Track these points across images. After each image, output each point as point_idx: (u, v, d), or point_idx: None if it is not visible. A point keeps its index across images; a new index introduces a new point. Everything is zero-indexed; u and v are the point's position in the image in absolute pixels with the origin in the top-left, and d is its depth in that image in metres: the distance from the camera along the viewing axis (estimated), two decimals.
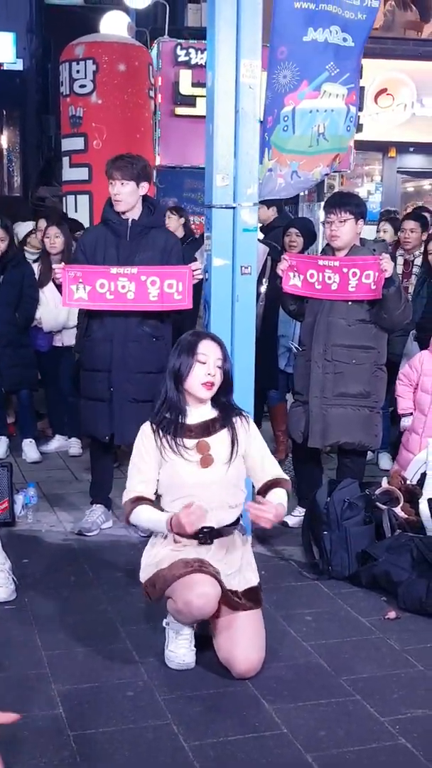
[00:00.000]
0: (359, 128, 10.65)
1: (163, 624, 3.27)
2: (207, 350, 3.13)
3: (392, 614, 3.75)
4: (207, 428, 3.21)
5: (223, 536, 3.22)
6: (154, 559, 3.25)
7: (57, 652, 3.37)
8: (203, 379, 3.12)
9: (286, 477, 3.36)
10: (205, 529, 3.12)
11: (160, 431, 3.22)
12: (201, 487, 3.16)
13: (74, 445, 6.24)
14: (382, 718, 2.95)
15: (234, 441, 3.22)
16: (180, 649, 3.20)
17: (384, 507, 4.30)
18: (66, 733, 2.84)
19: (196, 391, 3.15)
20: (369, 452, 5.14)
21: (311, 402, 4.53)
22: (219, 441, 3.21)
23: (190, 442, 3.18)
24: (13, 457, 6.01)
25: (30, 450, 6.06)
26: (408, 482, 4.58)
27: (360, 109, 10.72)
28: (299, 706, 3.02)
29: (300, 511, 4.70)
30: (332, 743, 2.81)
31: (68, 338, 5.97)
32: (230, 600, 3.13)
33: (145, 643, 3.45)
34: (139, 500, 3.21)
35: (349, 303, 4.46)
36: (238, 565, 3.25)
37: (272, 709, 2.99)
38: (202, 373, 3.11)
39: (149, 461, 3.24)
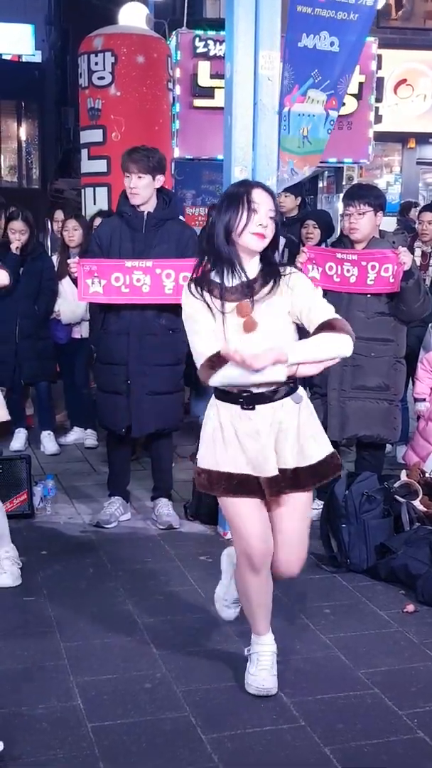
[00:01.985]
0: (379, 119, 10.65)
1: (245, 652, 3.13)
2: (259, 199, 2.85)
3: (411, 607, 3.74)
4: (249, 287, 2.88)
5: (267, 403, 2.88)
6: (203, 448, 3.02)
7: (75, 644, 3.38)
8: (255, 230, 2.84)
9: (338, 317, 2.89)
10: (244, 393, 2.87)
11: (200, 289, 2.91)
12: (245, 346, 2.80)
13: (90, 437, 6.26)
14: (400, 712, 2.94)
15: (276, 300, 2.89)
16: (261, 672, 3.05)
17: (403, 500, 4.29)
18: (84, 724, 2.85)
19: (248, 242, 2.85)
20: (388, 445, 5.12)
21: (329, 395, 4.51)
22: (262, 302, 2.88)
23: (230, 306, 2.87)
24: (31, 449, 6.04)
25: (48, 442, 6.08)
26: (427, 475, 4.56)
27: (379, 100, 10.72)
28: (317, 699, 3.02)
29: (318, 504, 4.69)
30: (350, 736, 2.80)
31: (87, 330, 5.97)
32: (274, 484, 2.90)
33: (162, 635, 3.46)
34: (219, 358, 2.81)
35: (368, 296, 4.44)
36: (294, 438, 2.92)
37: (290, 702, 2.99)
38: (254, 223, 2.84)
39: (204, 319, 2.89)
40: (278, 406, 2.89)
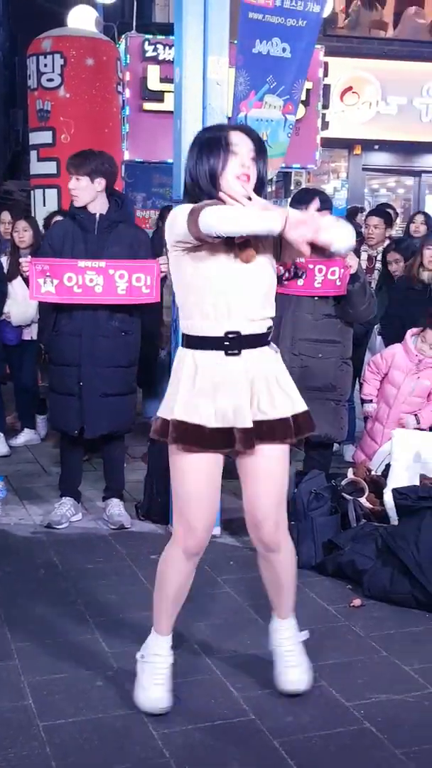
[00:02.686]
0: (326, 126, 10.75)
1: (137, 657, 2.98)
2: (238, 140, 2.74)
3: (357, 602, 3.80)
4: None
5: (252, 348, 2.78)
6: (171, 398, 2.86)
7: (26, 644, 3.36)
8: (238, 172, 2.73)
9: None
10: (230, 335, 2.76)
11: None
12: (234, 286, 2.74)
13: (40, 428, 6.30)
14: (347, 704, 2.99)
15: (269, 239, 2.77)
16: (154, 690, 2.89)
17: (349, 497, 4.34)
18: (35, 723, 2.84)
19: (232, 186, 2.73)
20: (335, 444, 5.18)
21: None
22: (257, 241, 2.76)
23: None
24: None
25: None
26: (373, 473, 4.63)
27: (326, 106, 10.84)
28: (266, 693, 3.04)
29: None
30: (299, 728, 2.84)
31: (36, 333, 5.95)
32: (248, 436, 2.77)
33: (114, 633, 3.46)
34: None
35: (316, 298, 4.49)
36: (268, 390, 2.80)
37: (240, 697, 3.02)
38: (237, 165, 2.73)
39: None
40: (257, 353, 2.79)
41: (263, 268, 2.80)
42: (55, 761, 2.64)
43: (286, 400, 2.84)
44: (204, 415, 2.77)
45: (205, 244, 2.68)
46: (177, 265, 2.82)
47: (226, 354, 2.76)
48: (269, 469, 2.87)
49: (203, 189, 2.76)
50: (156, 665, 2.92)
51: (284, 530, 2.98)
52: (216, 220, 2.58)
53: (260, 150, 2.79)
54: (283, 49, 4.85)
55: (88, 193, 4.38)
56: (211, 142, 2.75)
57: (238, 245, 2.72)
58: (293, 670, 3.00)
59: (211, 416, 2.77)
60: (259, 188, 2.81)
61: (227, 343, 2.76)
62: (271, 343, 2.88)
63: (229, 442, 2.79)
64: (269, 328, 2.84)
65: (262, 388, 2.80)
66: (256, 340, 2.79)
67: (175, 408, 2.80)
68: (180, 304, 2.87)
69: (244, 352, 2.77)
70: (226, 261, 2.73)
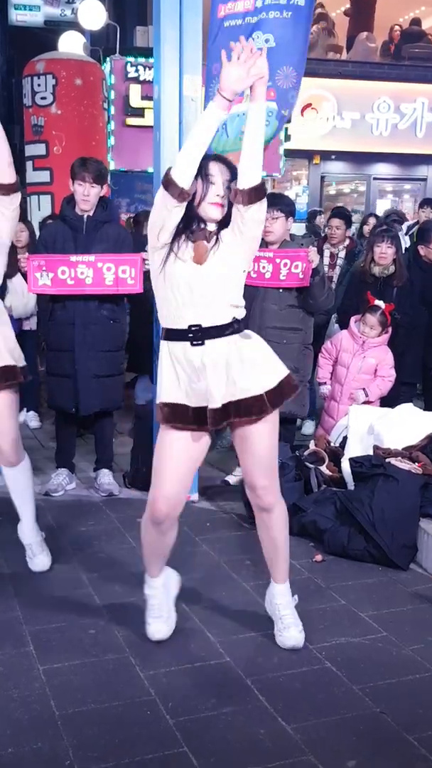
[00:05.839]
0: (288, 138, 10.70)
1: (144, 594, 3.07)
2: (215, 171, 2.74)
3: (319, 557, 3.81)
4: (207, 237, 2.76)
5: (216, 338, 2.77)
6: (159, 384, 2.87)
7: (27, 598, 3.35)
8: (213, 200, 2.74)
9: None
10: (193, 327, 2.75)
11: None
12: (195, 282, 2.74)
13: (33, 419, 6.19)
14: (310, 646, 3.00)
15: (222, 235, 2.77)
16: (152, 623, 3.03)
17: (311, 466, 4.35)
18: (36, 667, 2.83)
19: (207, 212, 2.74)
20: (298, 419, 5.18)
21: None
22: (216, 249, 2.77)
23: (186, 245, 2.74)
24: None
25: None
26: (332, 444, 4.63)
27: (289, 121, 10.77)
28: (240, 638, 3.05)
29: (240, 471, 4.73)
30: (268, 668, 2.85)
31: (35, 324, 5.91)
32: (219, 415, 2.77)
33: (104, 588, 3.45)
34: None
35: (281, 290, 4.48)
36: (235, 373, 2.78)
37: (217, 641, 3.02)
38: (213, 194, 2.74)
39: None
40: (223, 342, 2.77)
41: (225, 266, 2.77)
42: (54, 700, 2.64)
43: (255, 381, 2.80)
44: (183, 396, 2.80)
45: (182, 202, 2.65)
46: (152, 264, 2.82)
47: (192, 345, 2.76)
48: (256, 444, 2.87)
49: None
50: (150, 602, 3.02)
51: (275, 492, 2.97)
52: (178, 158, 2.66)
53: (234, 176, 2.76)
54: (266, 40, 4.40)
55: (97, 199, 4.36)
56: None
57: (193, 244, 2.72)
58: (291, 630, 3.01)
59: (190, 397, 2.79)
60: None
61: (191, 335, 2.76)
62: (245, 331, 2.84)
63: (205, 420, 2.79)
64: (234, 318, 2.80)
65: (229, 372, 2.77)
66: (218, 331, 2.76)
67: (161, 393, 2.84)
68: (156, 299, 2.88)
69: (207, 342, 2.76)
70: (189, 260, 2.73)
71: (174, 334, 2.79)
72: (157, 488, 2.86)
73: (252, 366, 2.82)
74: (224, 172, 2.76)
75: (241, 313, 2.84)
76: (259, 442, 2.88)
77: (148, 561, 3.01)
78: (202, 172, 2.72)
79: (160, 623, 3.02)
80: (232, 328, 2.80)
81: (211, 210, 2.74)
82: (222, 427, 2.88)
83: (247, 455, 2.91)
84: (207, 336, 2.76)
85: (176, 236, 2.74)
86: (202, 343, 2.76)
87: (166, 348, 2.82)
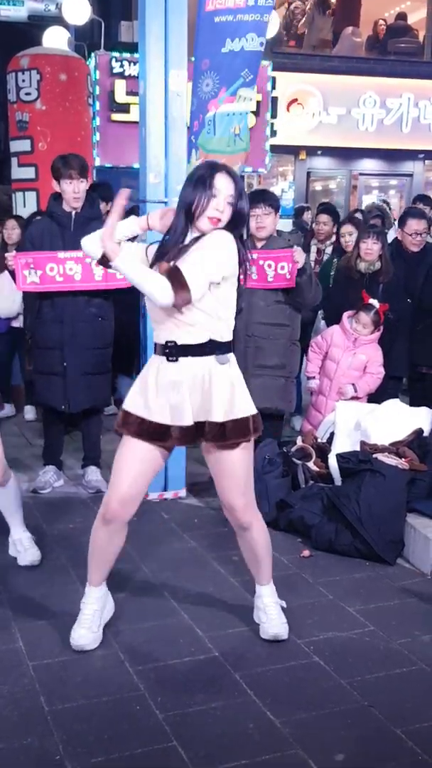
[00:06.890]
0: (274, 134, 10.70)
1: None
2: (220, 184, 2.69)
3: (306, 553, 3.84)
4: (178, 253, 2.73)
5: (190, 356, 2.76)
6: (131, 391, 2.90)
7: (16, 595, 3.36)
8: (211, 214, 2.69)
9: (182, 270, 2.66)
10: (169, 343, 2.76)
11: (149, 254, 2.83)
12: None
13: (29, 411, 6.19)
14: (299, 641, 3.03)
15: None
16: (76, 630, 2.95)
17: (299, 462, 4.37)
18: (25, 663, 2.84)
19: (201, 225, 2.71)
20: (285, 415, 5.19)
21: None
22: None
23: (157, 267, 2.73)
24: None
25: None
26: (319, 440, 4.66)
27: (274, 116, 10.79)
28: (228, 633, 3.07)
29: None
30: (257, 663, 2.87)
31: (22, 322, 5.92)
32: (187, 434, 2.79)
33: None
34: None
35: None
36: (203, 396, 2.78)
37: (205, 636, 3.04)
38: (212, 207, 2.69)
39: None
40: (197, 362, 2.76)
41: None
42: (43, 696, 2.65)
43: (220, 408, 2.78)
44: (145, 409, 2.80)
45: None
46: None
47: (167, 360, 2.78)
48: (228, 468, 2.87)
49: (179, 215, 2.74)
50: (83, 610, 2.99)
51: (252, 511, 2.96)
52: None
53: (241, 194, 2.73)
54: (261, 44, 4.46)
55: (85, 194, 4.35)
56: (198, 182, 2.71)
57: None
58: (274, 623, 3.03)
59: (153, 411, 2.79)
60: (240, 223, 2.78)
61: (167, 351, 2.78)
62: (223, 355, 2.80)
63: (163, 437, 2.80)
64: (210, 340, 2.77)
65: (198, 393, 2.77)
66: (192, 350, 2.76)
67: (127, 400, 2.88)
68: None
69: (181, 359, 2.76)
70: None
71: (156, 347, 2.85)
72: (113, 488, 2.89)
73: (221, 393, 2.78)
74: (229, 187, 2.71)
75: (220, 330, 2.78)
76: (231, 468, 2.87)
77: (92, 566, 2.99)
78: (207, 183, 2.68)
79: (85, 630, 2.95)
80: (208, 347, 2.77)
81: (205, 224, 2.72)
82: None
83: (222, 477, 2.90)
84: (181, 353, 2.76)
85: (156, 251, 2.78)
86: (176, 360, 2.77)
87: (152, 358, 2.88)
